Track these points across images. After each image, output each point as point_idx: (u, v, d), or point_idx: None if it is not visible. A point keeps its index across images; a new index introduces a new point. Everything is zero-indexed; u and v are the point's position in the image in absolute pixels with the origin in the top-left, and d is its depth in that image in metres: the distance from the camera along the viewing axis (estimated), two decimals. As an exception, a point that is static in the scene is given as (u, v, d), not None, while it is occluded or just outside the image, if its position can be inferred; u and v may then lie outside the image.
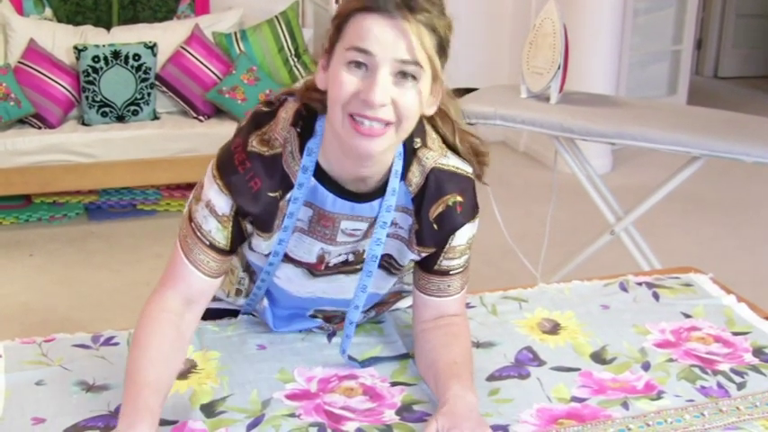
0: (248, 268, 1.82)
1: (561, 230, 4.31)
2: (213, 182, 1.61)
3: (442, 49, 1.52)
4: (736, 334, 1.92)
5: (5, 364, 1.76)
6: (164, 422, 1.57)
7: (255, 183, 1.59)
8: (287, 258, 1.71)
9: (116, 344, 1.84)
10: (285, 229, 1.64)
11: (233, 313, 1.94)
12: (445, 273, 1.73)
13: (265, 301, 1.84)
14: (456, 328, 1.74)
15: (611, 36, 5.74)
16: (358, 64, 1.46)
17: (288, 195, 1.62)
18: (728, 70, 8.95)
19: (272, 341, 1.85)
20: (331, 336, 1.88)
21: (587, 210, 4.03)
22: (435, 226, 1.67)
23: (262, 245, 1.68)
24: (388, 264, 1.74)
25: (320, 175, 1.62)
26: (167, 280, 1.65)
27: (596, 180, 3.78)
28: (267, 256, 1.70)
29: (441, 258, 1.71)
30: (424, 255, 1.71)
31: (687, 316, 2.00)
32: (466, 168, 1.68)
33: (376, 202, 1.64)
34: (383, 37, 1.44)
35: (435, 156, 1.66)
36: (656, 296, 2.09)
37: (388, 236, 1.68)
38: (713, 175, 5.00)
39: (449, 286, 1.74)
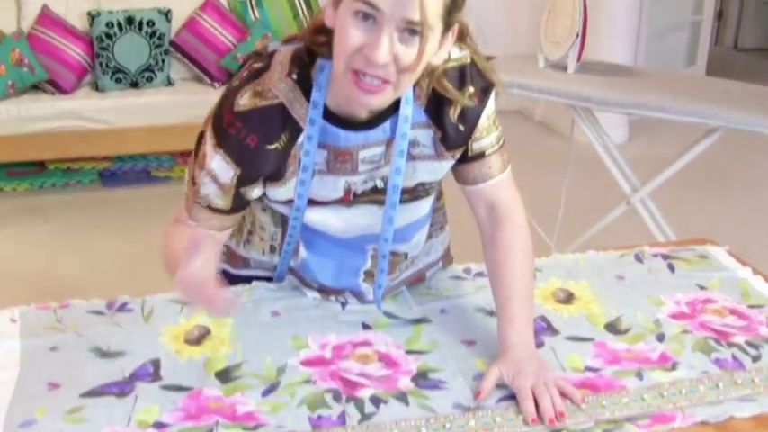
0: (280, 223, 1.82)
1: (577, 200, 4.29)
2: (214, 151, 1.61)
3: (456, 3, 1.48)
4: (751, 307, 1.91)
5: (21, 330, 1.76)
6: (178, 388, 1.58)
7: (251, 140, 1.58)
8: (313, 203, 1.71)
9: (130, 310, 1.84)
10: (305, 170, 1.64)
11: (247, 280, 1.94)
12: (480, 155, 1.72)
13: (303, 252, 1.83)
14: (508, 237, 1.75)
15: (631, 6, 5.70)
16: (365, 15, 1.42)
17: (300, 139, 1.61)
18: (749, 42, 8.88)
19: (286, 308, 1.85)
20: (345, 304, 1.88)
21: (603, 180, 4.02)
22: (461, 126, 1.66)
23: (277, 192, 1.68)
24: (423, 190, 1.75)
25: (327, 114, 1.60)
26: (180, 219, 1.71)
27: (613, 150, 3.76)
28: (289, 202, 1.70)
29: (470, 144, 1.70)
30: (458, 155, 1.71)
31: (702, 288, 1.99)
32: (463, 55, 1.66)
33: (387, 124, 1.63)
34: None
35: (437, 60, 1.60)
36: (671, 268, 2.08)
37: (415, 160, 1.68)
38: (730, 147, 4.96)
39: (489, 168, 1.73)
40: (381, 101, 1.52)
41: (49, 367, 1.64)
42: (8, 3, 5.07)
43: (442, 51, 1.54)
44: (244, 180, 1.62)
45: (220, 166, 1.61)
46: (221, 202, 1.64)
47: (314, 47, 1.59)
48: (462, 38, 1.63)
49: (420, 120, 1.65)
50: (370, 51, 1.42)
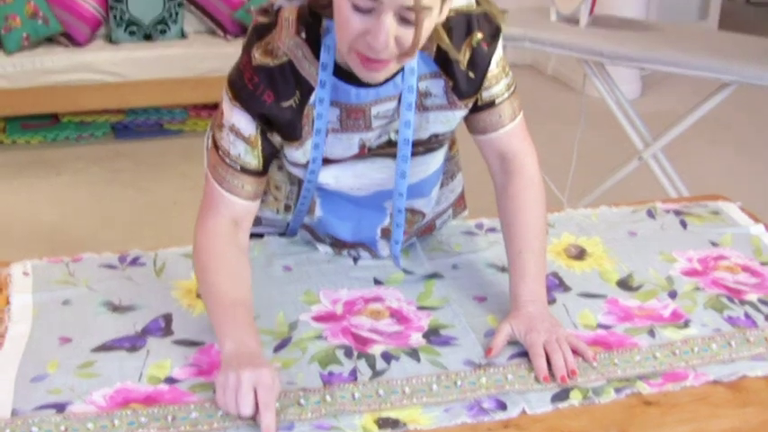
0: (297, 181, 1.81)
1: (589, 156, 4.27)
2: (231, 105, 1.59)
3: None
4: (764, 264, 1.91)
5: (33, 283, 1.77)
6: (190, 343, 1.59)
7: (268, 96, 1.57)
8: (328, 162, 1.69)
9: (142, 264, 1.84)
10: (318, 133, 1.62)
11: (257, 237, 1.93)
12: (491, 104, 1.70)
13: (318, 212, 1.82)
14: (520, 189, 1.74)
15: (643, -42, 5.64)
16: (364, 9, 1.40)
17: (311, 99, 1.59)
18: (762, -5, 8.79)
19: (299, 262, 1.85)
20: (357, 259, 1.88)
21: (615, 135, 4.00)
22: (471, 74, 1.64)
23: (295, 154, 1.66)
24: (437, 141, 1.73)
25: (337, 71, 1.59)
26: (207, 209, 1.64)
27: (625, 105, 3.74)
28: (306, 165, 1.68)
29: (480, 93, 1.68)
30: (471, 104, 1.69)
31: (715, 244, 1.98)
32: (469, 2, 1.64)
33: (398, 78, 1.61)
34: None
35: (441, 18, 1.56)
36: (683, 224, 2.07)
37: (428, 111, 1.66)
38: (743, 102, 4.94)
39: (500, 116, 1.72)
40: (387, 74, 1.51)
41: (61, 321, 1.65)
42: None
43: (444, 13, 1.51)
44: (266, 130, 1.61)
45: (240, 119, 1.59)
46: (252, 159, 1.61)
47: (317, 8, 1.56)
48: None
49: (430, 70, 1.63)
50: (372, 39, 1.41)
